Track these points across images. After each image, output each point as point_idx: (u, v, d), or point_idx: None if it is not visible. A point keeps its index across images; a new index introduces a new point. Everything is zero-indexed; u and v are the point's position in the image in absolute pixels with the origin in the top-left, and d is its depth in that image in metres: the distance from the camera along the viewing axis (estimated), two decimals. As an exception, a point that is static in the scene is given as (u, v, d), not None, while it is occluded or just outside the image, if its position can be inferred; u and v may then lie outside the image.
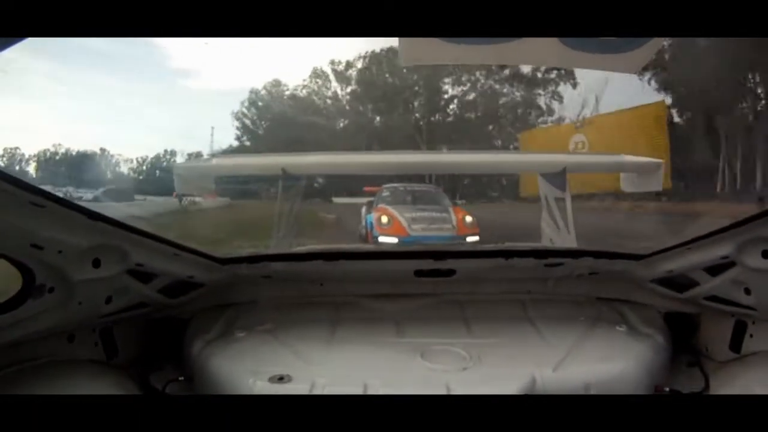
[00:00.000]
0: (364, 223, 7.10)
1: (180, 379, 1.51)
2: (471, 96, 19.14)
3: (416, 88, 18.31)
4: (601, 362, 1.46)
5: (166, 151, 20.35)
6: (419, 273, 1.77)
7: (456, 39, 1.66)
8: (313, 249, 1.98)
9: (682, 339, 1.72)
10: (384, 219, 6.14)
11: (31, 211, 1.02)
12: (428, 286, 1.90)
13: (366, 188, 8.46)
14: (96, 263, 1.24)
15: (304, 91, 19.05)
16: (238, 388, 1.35)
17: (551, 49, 1.76)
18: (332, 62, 18.80)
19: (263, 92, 18.46)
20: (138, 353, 1.63)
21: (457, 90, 19.17)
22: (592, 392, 1.35)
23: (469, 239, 6.18)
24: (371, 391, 1.30)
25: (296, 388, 1.31)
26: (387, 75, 17.85)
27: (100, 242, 1.22)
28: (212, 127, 20.56)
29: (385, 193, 7.32)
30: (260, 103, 18.46)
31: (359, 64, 18.98)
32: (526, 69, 17.60)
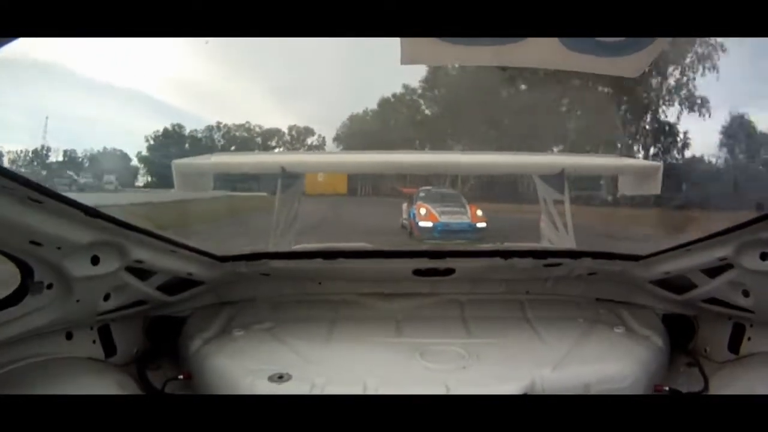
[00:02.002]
0: (406, 216, 10.07)
1: (179, 377, 1.51)
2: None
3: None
4: (600, 363, 1.46)
5: (42, 146, 18.20)
6: (418, 272, 1.77)
7: (456, 39, 1.65)
8: (312, 247, 1.97)
9: (681, 340, 1.72)
10: (422, 211, 9.52)
11: (29, 207, 1.02)
12: (427, 285, 1.90)
13: (404, 190, 11.75)
14: (94, 260, 1.24)
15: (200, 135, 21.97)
16: (237, 387, 1.34)
17: (551, 51, 1.76)
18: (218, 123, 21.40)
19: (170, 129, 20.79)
20: (136, 351, 1.63)
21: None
22: (591, 393, 1.36)
23: (479, 225, 9.26)
24: (370, 391, 1.30)
25: (295, 387, 1.31)
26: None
27: (99, 239, 1.21)
28: (46, 117, 16.96)
29: (422, 194, 10.47)
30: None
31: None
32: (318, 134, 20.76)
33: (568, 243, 2.79)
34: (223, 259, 1.62)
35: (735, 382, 1.44)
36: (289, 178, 2.87)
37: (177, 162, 2.88)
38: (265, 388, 1.31)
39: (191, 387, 1.49)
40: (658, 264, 1.61)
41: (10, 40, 0.84)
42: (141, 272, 1.42)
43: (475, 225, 9.14)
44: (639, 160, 3.84)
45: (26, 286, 1.18)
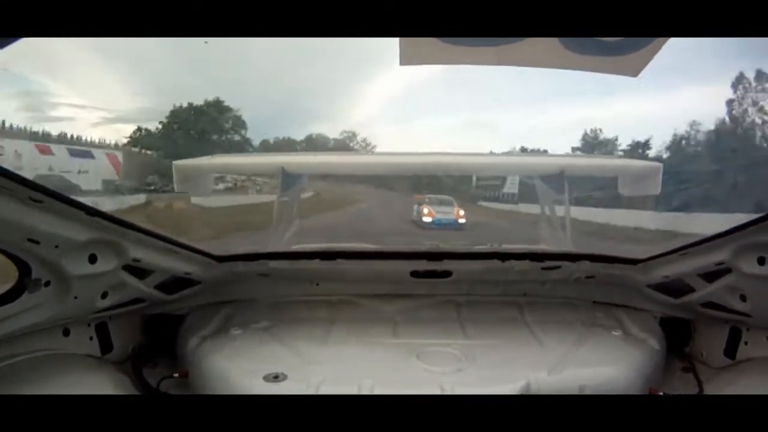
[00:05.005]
0: (415, 213, 14.37)
1: (174, 375, 1.51)
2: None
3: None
4: (596, 366, 1.46)
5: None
6: (415, 274, 1.77)
7: (455, 40, 1.65)
8: (310, 248, 1.97)
9: (678, 344, 1.72)
10: (425, 210, 14.05)
11: (28, 206, 1.02)
12: (425, 286, 1.90)
13: (416, 197, 15.66)
14: (92, 258, 1.25)
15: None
16: (234, 386, 1.34)
17: (551, 51, 1.76)
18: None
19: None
20: (133, 348, 1.63)
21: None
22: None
23: (460, 220, 13.91)
24: (366, 391, 1.30)
25: (291, 387, 1.31)
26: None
27: (97, 237, 1.22)
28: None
29: (426, 200, 14.91)
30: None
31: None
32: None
33: (566, 245, 2.77)
34: (221, 258, 1.62)
35: (729, 388, 1.43)
36: (290, 178, 2.86)
37: (177, 163, 2.87)
38: (260, 387, 1.31)
39: (187, 385, 1.49)
40: (656, 268, 1.60)
41: (13, 41, 0.84)
42: (139, 271, 1.43)
43: (457, 221, 14.07)
44: (639, 161, 3.83)
45: (24, 284, 1.18)
